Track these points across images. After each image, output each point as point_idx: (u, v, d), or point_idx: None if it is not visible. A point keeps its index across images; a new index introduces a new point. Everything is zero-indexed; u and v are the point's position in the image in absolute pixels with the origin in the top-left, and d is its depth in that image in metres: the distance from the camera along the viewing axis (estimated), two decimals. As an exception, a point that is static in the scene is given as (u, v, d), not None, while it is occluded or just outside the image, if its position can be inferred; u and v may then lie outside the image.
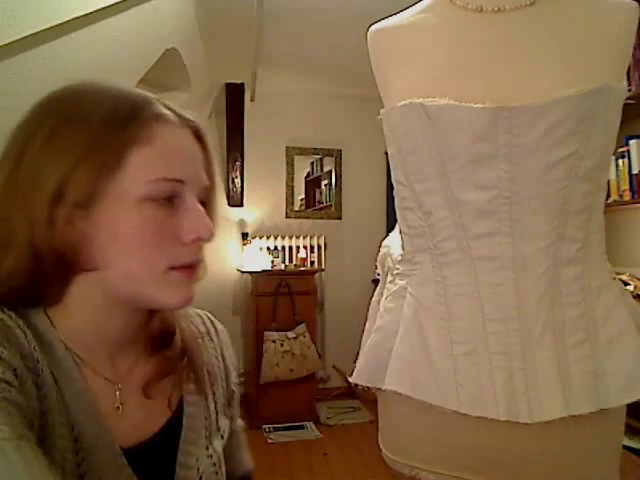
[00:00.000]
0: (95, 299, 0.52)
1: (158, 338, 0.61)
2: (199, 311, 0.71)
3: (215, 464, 0.62)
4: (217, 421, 0.65)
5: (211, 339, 0.69)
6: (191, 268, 0.54)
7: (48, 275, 0.49)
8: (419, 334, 0.77)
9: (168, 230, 0.51)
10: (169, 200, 0.51)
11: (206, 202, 0.56)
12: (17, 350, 0.47)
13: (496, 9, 0.74)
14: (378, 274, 1.10)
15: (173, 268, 0.52)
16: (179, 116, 0.54)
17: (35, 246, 0.48)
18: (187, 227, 0.52)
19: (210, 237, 0.53)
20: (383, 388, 0.80)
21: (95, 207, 0.48)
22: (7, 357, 0.45)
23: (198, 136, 0.56)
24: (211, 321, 0.71)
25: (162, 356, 0.60)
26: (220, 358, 0.69)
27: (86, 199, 0.48)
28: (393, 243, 1.01)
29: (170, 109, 0.53)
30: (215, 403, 0.65)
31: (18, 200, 0.48)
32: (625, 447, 0.78)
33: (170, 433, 0.59)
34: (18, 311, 0.50)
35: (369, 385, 0.84)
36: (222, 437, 0.66)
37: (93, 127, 0.48)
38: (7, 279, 0.49)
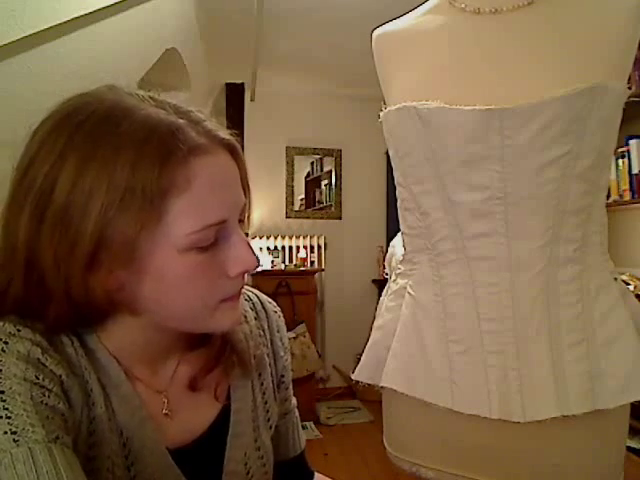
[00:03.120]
0: (137, 325, 0.52)
1: (197, 337, 0.60)
2: (249, 293, 0.68)
3: (262, 457, 0.62)
4: (267, 411, 0.65)
5: (260, 325, 0.66)
6: (238, 294, 0.53)
7: (90, 315, 0.49)
8: (416, 333, 0.78)
9: (214, 269, 0.49)
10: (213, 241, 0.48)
11: (241, 217, 0.53)
12: (64, 358, 0.48)
13: (493, 10, 0.74)
14: (386, 273, 1.11)
15: (222, 300, 0.50)
16: (212, 137, 0.48)
17: (72, 298, 0.46)
18: (233, 261, 0.50)
19: (257, 266, 0.51)
20: (380, 385, 0.81)
21: (135, 260, 0.45)
22: (50, 365, 0.46)
23: (232, 152, 0.51)
24: (262, 304, 0.68)
25: (204, 352, 0.60)
26: (269, 344, 0.67)
27: (126, 256, 0.44)
28: (398, 243, 1.02)
29: (201, 131, 0.48)
30: (264, 393, 0.64)
31: (47, 259, 0.45)
32: (626, 447, 0.78)
33: (218, 429, 0.59)
34: None
35: (369, 382, 0.85)
36: (271, 427, 0.65)
37: (124, 176, 0.43)
38: (55, 321, 0.48)
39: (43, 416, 0.43)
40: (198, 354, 0.59)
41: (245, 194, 0.53)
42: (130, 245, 0.44)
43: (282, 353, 0.68)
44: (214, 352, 0.59)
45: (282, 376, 0.69)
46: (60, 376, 0.46)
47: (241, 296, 0.54)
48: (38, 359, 0.45)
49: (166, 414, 0.56)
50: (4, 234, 0.47)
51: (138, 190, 0.43)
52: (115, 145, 0.43)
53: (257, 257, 0.51)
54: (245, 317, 0.65)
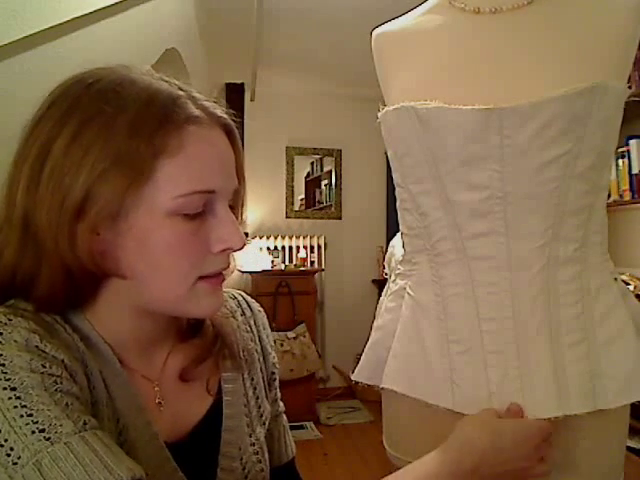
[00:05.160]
0: (124, 303, 0.52)
1: (187, 327, 0.61)
2: (234, 292, 0.70)
3: (257, 452, 0.62)
4: (259, 407, 0.65)
5: (247, 322, 0.67)
6: (219, 276, 0.52)
7: (80, 281, 0.48)
8: (416, 333, 0.78)
9: (198, 241, 0.49)
10: (200, 211, 0.49)
11: (234, 204, 0.55)
12: (62, 343, 0.47)
13: (493, 10, 0.74)
14: (386, 274, 1.11)
15: (201, 278, 0.50)
16: (209, 114, 0.50)
17: (62, 257, 0.46)
18: (217, 237, 0.50)
19: (241, 247, 0.51)
20: (380, 386, 0.81)
21: (122, 220, 0.46)
22: (51, 351, 0.45)
23: (228, 133, 0.53)
24: (247, 302, 0.69)
25: (194, 344, 0.60)
26: (257, 340, 0.67)
27: (111, 214, 0.45)
28: (398, 243, 1.02)
29: (200, 106, 0.50)
30: (255, 388, 0.65)
31: (42, 210, 0.46)
32: (626, 447, 0.78)
33: (211, 423, 0.58)
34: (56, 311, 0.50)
35: (369, 382, 0.85)
36: (264, 424, 0.65)
37: (119, 136, 0.45)
38: (48, 290, 0.48)
39: (63, 405, 0.42)
40: (189, 345, 0.59)
41: (240, 182, 0.54)
42: (116, 201, 0.45)
43: (270, 350, 0.69)
44: (206, 344, 0.60)
45: (272, 373, 0.69)
46: (63, 360, 0.45)
47: (224, 286, 0.54)
48: (37, 346, 0.44)
49: (159, 403, 0.55)
50: (7, 190, 0.48)
51: (133, 149, 0.45)
52: (118, 106, 0.45)
53: (243, 238, 0.51)
54: (232, 313, 0.66)
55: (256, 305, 0.70)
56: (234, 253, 0.55)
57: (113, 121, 0.45)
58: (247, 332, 0.66)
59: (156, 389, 0.56)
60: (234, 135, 0.54)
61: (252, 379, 0.65)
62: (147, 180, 0.46)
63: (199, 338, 0.60)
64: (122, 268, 0.48)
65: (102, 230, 0.46)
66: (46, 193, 0.45)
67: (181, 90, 0.50)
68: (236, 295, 0.69)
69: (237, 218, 0.55)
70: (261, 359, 0.67)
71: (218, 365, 0.61)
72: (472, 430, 0.59)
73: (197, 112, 0.49)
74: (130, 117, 0.45)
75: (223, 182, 0.51)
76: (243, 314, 0.67)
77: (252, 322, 0.68)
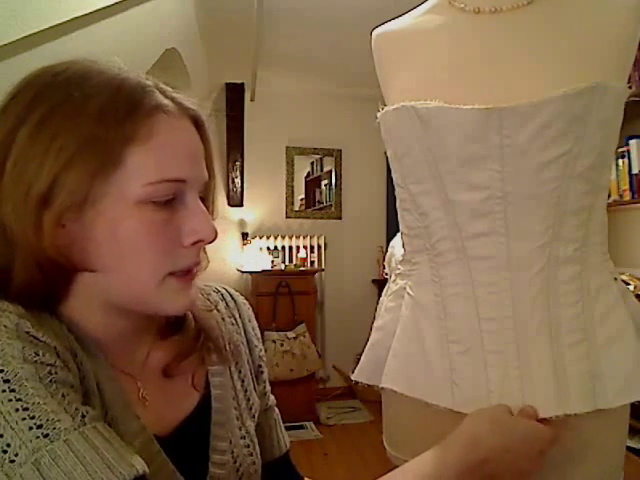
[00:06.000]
0: (95, 299, 0.50)
1: (169, 324, 0.60)
2: (217, 286, 0.69)
3: (249, 445, 0.61)
4: (248, 399, 0.64)
5: (231, 314, 0.66)
6: (190, 273, 0.51)
7: (51, 275, 0.47)
8: (416, 333, 0.78)
9: (168, 233, 0.48)
10: (169, 201, 0.48)
11: (205, 197, 0.54)
12: (51, 330, 0.46)
13: (493, 10, 0.74)
14: (386, 274, 1.11)
15: (172, 274, 0.49)
16: (178, 104, 0.50)
17: (33, 250, 0.45)
18: (188, 229, 0.49)
19: (213, 239, 0.51)
20: (380, 386, 0.81)
21: (89, 209, 0.45)
22: (43, 337, 0.43)
23: (198, 125, 0.53)
24: (231, 295, 0.69)
25: (175, 340, 0.59)
26: (243, 332, 0.67)
27: (78, 202, 0.44)
28: (398, 243, 1.02)
29: (169, 97, 0.50)
30: (243, 381, 0.64)
31: (8, 202, 0.44)
32: (626, 447, 0.78)
33: (200, 417, 0.58)
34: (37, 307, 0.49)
35: (369, 383, 0.85)
36: (254, 416, 0.64)
37: (89, 121, 0.44)
38: (24, 283, 0.46)
39: (59, 397, 0.40)
40: (170, 342, 0.58)
41: (210, 175, 0.54)
42: (84, 189, 0.44)
43: (256, 342, 0.69)
44: (188, 339, 0.59)
45: (259, 366, 0.69)
46: (55, 347, 0.44)
47: (196, 281, 0.53)
48: (28, 332, 0.42)
49: (144, 398, 0.54)
50: None
51: (102, 135, 0.44)
52: (87, 92, 0.45)
53: (214, 230, 0.51)
54: (216, 306, 0.65)
55: (241, 298, 0.70)
56: (206, 250, 0.54)
57: (83, 106, 0.44)
58: (232, 325, 0.65)
59: (139, 384, 0.55)
60: (203, 127, 0.54)
61: (240, 372, 0.64)
62: (116, 167, 0.45)
63: (180, 334, 0.59)
64: (91, 261, 0.47)
65: (68, 222, 0.45)
66: (10, 183, 0.44)
67: (149, 80, 0.50)
68: (219, 289, 0.68)
69: (209, 211, 0.54)
70: (247, 351, 0.67)
71: (203, 360, 0.60)
72: (481, 426, 0.59)
73: (166, 101, 0.49)
74: (100, 102, 0.44)
75: (192, 171, 0.50)
76: (227, 306, 0.67)
77: (237, 314, 0.67)
